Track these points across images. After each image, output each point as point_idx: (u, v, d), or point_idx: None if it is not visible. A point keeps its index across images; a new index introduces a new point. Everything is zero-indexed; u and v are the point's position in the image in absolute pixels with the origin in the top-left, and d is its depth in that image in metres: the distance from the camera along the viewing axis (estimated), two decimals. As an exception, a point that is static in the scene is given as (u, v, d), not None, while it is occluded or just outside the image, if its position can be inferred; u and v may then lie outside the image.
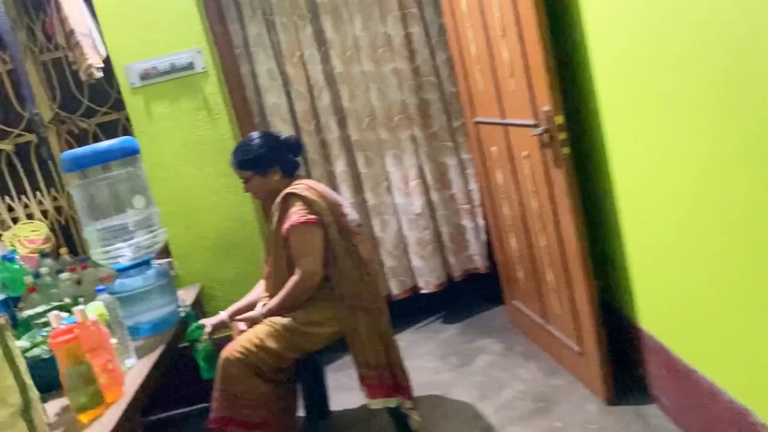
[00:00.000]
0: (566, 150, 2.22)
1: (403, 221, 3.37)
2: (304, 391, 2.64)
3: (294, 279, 2.31)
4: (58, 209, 3.32)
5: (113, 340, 2.02)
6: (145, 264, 2.48)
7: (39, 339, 2.10)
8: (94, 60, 2.88)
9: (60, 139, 3.26)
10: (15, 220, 3.27)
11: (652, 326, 2.24)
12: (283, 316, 2.31)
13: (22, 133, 3.26)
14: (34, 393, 1.64)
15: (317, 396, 2.72)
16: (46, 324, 2.17)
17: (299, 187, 2.37)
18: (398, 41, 3.21)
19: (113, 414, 1.81)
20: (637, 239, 2.20)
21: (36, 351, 2.04)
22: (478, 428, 2.43)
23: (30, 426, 1.55)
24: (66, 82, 3.24)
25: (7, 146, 3.24)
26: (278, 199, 2.37)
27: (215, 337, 2.44)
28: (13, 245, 3.06)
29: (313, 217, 2.30)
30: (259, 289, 2.57)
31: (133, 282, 2.43)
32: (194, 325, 2.41)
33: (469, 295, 3.53)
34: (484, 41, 2.60)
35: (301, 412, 2.59)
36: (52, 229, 3.27)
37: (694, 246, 1.82)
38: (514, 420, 2.44)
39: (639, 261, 2.22)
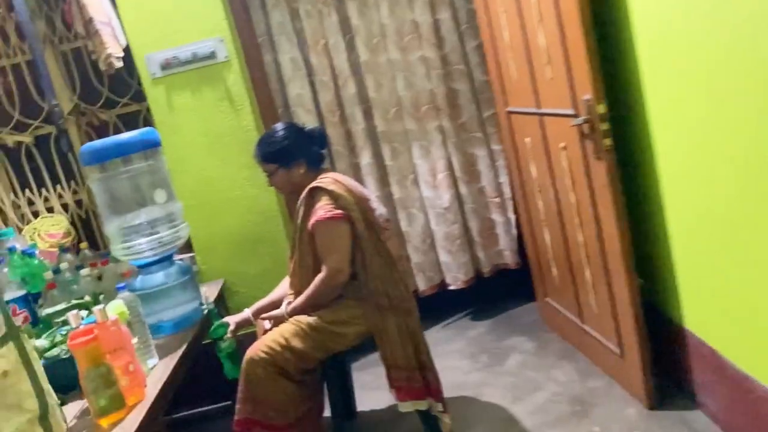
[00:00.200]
0: (608, 141, 2.10)
1: (431, 215, 3.26)
2: (330, 391, 2.55)
3: (320, 277, 2.22)
4: (79, 202, 3.26)
5: (134, 340, 1.95)
6: (167, 260, 2.40)
7: (58, 338, 2.03)
8: (114, 49, 2.80)
9: (80, 130, 3.20)
10: (35, 214, 3.22)
11: (699, 328, 2.11)
12: (309, 315, 2.23)
13: (42, 124, 3.20)
14: (53, 398, 1.57)
15: (343, 396, 2.63)
16: (66, 322, 2.11)
17: (325, 180, 2.27)
18: (426, 28, 3.09)
19: (135, 418, 1.74)
20: (684, 235, 2.07)
21: (55, 351, 1.98)
22: (512, 432, 2.34)
23: (48, 433, 1.48)
24: (86, 73, 3.17)
25: (26, 138, 3.19)
26: (303, 193, 2.29)
27: (239, 333, 2.37)
28: (33, 239, 3.01)
29: (340, 212, 2.21)
30: (284, 286, 2.48)
31: (155, 278, 2.36)
32: (217, 323, 2.34)
33: (498, 292, 3.41)
34: (518, 27, 2.48)
35: (326, 413, 2.51)
36: (73, 223, 3.22)
37: (747, 242, 1.69)
38: (549, 424, 2.33)
39: (685, 258, 2.10)
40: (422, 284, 3.29)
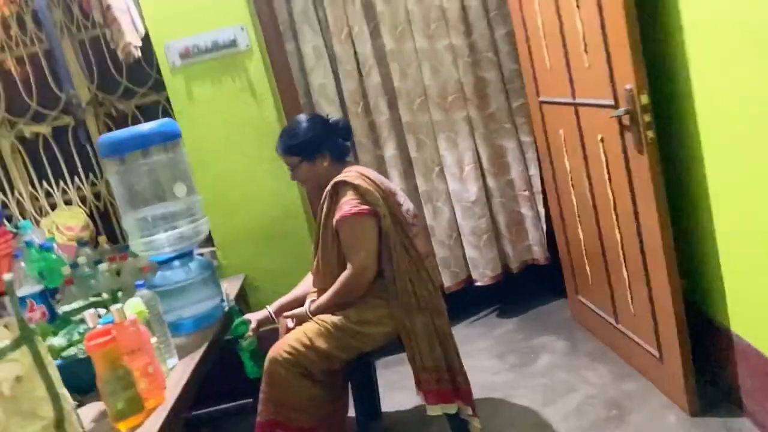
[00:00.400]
0: (651, 134, 1.98)
1: (457, 209, 3.16)
2: (355, 391, 2.47)
3: (345, 275, 2.14)
4: (97, 195, 3.20)
5: (153, 339, 1.88)
6: (187, 255, 2.33)
7: (76, 337, 1.97)
8: (132, 38, 2.72)
9: (98, 121, 3.13)
10: (53, 206, 3.16)
11: (746, 331, 1.99)
12: (334, 314, 2.15)
13: (59, 115, 3.13)
14: (69, 403, 1.50)
15: (368, 396, 2.55)
16: (84, 320, 2.04)
17: (350, 174, 2.18)
18: (453, 15, 2.97)
19: (154, 422, 1.68)
20: (731, 233, 1.95)
21: (72, 350, 1.91)
22: (545, 437, 2.24)
23: (63, 442, 1.41)
24: (104, 62, 3.09)
25: (44, 129, 3.12)
26: (328, 187, 2.20)
27: (261, 329, 2.30)
28: (51, 232, 2.95)
29: (366, 207, 2.12)
30: (307, 283, 2.40)
31: (175, 275, 2.29)
32: (238, 320, 2.27)
33: (526, 288, 3.30)
34: (553, 12, 2.36)
35: (350, 413, 2.43)
36: (91, 216, 3.16)
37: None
38: (584, 429, 2.23)
39: (732, 258, 1.98)
40: (447, 280, 3.19)
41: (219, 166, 2.83)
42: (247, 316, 2.32)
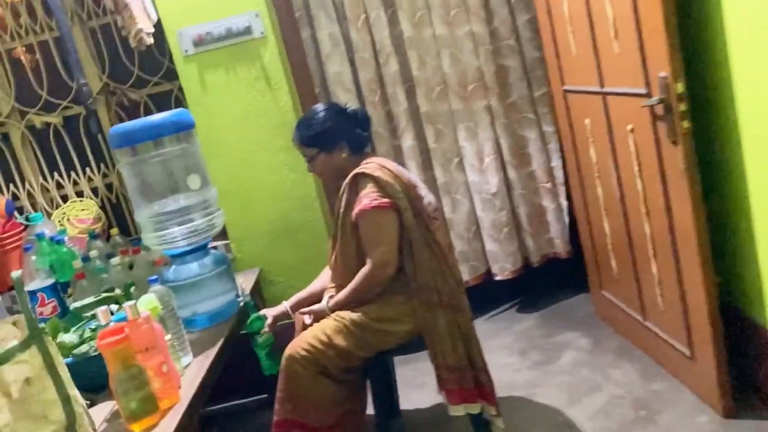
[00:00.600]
0: (686, 124, 1.89)
1: (477, 201, 3.07)
2: (373, 389, 2.40)
3: (365, 270, 2.06)
4: (109, 186, 3.14)
5: (167, 336, 1.81)
6: (201, 249, 2.26)
7: (87, 334, 1.91)
8: (144, 24, 2.65)
9: (110, 111, 3.06)
10: (64, 198, 3.10)
11: (785, 330, 1.91)
12: (353, 311, 2.08)
13: (70, 105, 3.07)
14: (80, 405, 1.44)
15: (387, 395, 2.48)
16: (95, 316, 1.98)
17: (370, 166, 2.10)
18: (474, 1, 2.88)
19: (168, 423, 1.61)
20: (771, 229, 1.87)
21: (84, 348, 1.85)
22: (571, 439, 2.16)
23: (75, 447, 1.35)
24: (115, 50, 3.02)
25: (54, 119, 3.06)
26: (347, 179, 2.12)
27: (277, 324, 2.24)
28: (62, 224, 2.90)
29: (387, 200, 2.04)
30: (324, 278, 2.34)
31: (189, 269, 2.22)
32: (254, 316, 2.20)
33: (547, 283, 3.22)
34: (581, -3, 2.26)
35: (369, 411, 2.37)
36: (103, 208, 3.10)
37: None
38: (612, 430, 2.16)
39: (771, 254, 1.89)
40: (466, 274, 3.11)
41: (233, 157, 2.76)
42: (263, 311, 2.26)
